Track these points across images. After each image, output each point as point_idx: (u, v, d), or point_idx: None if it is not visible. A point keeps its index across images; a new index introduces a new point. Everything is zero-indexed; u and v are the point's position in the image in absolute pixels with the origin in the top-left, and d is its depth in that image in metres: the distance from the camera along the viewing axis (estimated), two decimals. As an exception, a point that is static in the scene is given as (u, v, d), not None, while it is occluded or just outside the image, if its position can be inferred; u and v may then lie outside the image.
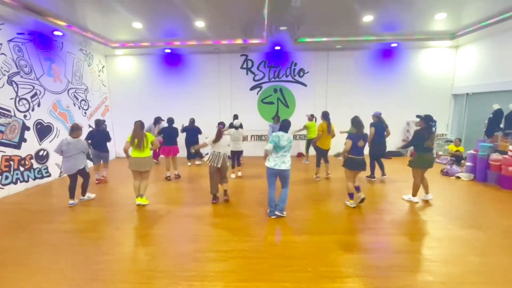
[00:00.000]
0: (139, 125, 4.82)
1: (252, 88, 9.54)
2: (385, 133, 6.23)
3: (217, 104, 9.58)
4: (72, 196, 5.03)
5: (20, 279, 2.91)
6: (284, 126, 4.30)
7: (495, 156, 5.95)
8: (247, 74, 9.45)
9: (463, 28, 7.24)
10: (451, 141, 8.56)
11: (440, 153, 8.70)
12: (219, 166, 4.83)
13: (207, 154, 5.00)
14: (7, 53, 5.77)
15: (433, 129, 4.81)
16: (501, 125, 6.48)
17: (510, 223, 4.10)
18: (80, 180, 5.14)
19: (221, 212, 4.67)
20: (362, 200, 4.70)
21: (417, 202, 4.92)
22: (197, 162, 8.40)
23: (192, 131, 7.85)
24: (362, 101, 9.13)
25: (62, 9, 5.55)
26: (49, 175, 6.87)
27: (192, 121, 7.98)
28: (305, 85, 9.44)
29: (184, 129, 7.80)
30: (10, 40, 5.85)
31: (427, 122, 4.72)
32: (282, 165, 4.17)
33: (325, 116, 6.32)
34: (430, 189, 5.03)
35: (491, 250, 3.35)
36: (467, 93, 8.39)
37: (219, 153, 4.87)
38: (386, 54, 9.08)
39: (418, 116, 5.03)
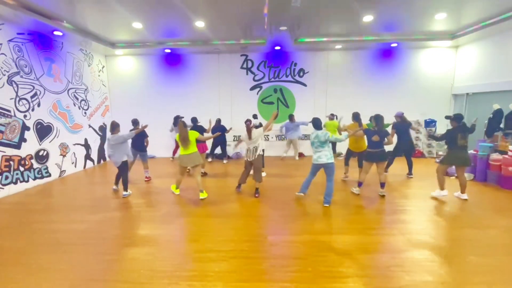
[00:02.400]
0: (182, 124, 5.17)
1: (252, 88, 9.53)
2: (410, 130, 6.59)
3: (217, 104, 9.56)
4: (117, 182, 5.80)
5: (20, 279, 2.91)
6: (315, 124, 4.77)
7: (495, 156, 5.95)
8: (247, 74, 9.44)
9: (463, 28, 7.22)
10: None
11: (440, 153, 8.70)
12: (251, 160, 5.23)
13: (237, 152, 5.34)
14: (7, 53, 5.77)
15: (468, 127, 4.89)
16: (501, 125, 6.49)
17: (510, 223, 4.11)
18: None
19: (222, 212, 4.67)
20: (382, 197, 5.22)
21: (446, 196, 5.04)
22: (224, 161, 8.63)
23: (220, 130, 7.94)
24: (362, 101, 9.10)
25: (62, 9, 5.55)
26: (49, 175, 6.87)
27: (218, 120, 8.29)
28: (305, 85, 9.44)
29: (212, 130, 7.83)
30: (10, 40, 5.85)
31: (458, 121, 4.85)
32: (322, 158, 4.62)
33: (355, 117, 6.17)
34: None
35: (491, 250, 3.35)
36: (467, 93, 8.39)
37: (251, 147, 5.23)
38: (386, 54, 9.07)
39: (447, 117, 5.14)
